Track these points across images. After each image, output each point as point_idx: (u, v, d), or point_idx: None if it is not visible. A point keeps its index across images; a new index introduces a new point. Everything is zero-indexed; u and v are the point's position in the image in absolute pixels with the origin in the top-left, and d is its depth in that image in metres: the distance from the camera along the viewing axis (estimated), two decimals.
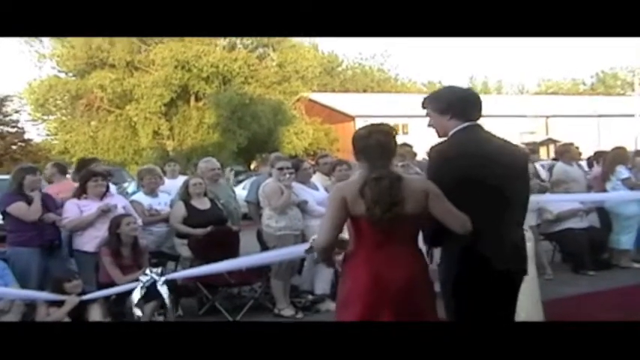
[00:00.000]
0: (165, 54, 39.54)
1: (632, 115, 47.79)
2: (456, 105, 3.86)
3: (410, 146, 9.76)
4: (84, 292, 6.50)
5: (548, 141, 46.59)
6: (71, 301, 6.35)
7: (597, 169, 10.38)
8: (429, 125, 3.99)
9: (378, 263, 3.59)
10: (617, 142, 11.56)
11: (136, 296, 6.37)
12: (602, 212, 9.96)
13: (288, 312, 7.63)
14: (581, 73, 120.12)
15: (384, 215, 3.50)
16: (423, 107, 4.03)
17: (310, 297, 8.04)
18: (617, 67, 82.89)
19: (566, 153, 10.50)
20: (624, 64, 78.73)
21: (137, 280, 6.46)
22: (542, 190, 9.68)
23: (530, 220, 7.84)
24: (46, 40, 43.01)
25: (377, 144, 3.65)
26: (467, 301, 3.71)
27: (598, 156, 10.79)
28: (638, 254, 9.99)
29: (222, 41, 43.10)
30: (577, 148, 10.87)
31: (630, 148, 17.61)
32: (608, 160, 10.02)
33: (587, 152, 12.26)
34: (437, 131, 3.95)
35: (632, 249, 9.82)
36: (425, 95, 4.09)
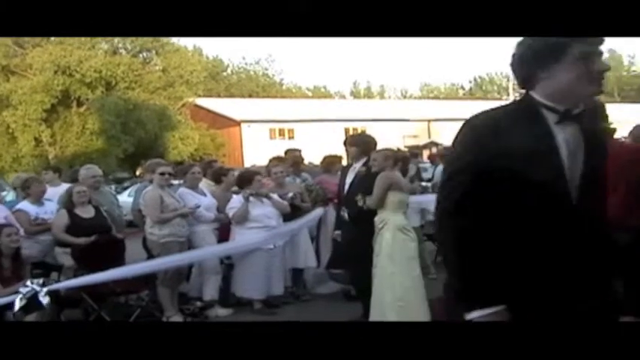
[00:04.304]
0: (45, 58, 38.05)
1: None
2: None
3: (298, 151, 9.89)
4: None
5: (431, 144, 48.00)
6: None
7: None
8: None
9: None
10: None
11: (16, 308, 6.16)
12: None
13: (176, 319, 7.55)
14: (459, 77, 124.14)
15: None
16: None
17: (199, 303, 8.01)
18: (493, 72, 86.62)
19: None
20: (500, 70, 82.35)
21: (18, 291, 6.24)
22: (424, 192, 10.01)
23: (414, 221, 8.05)
24: None
25: None
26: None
27: None
28: None
29: (105, 45, 42.00)
30: None
31: None
32: None
33: None
34: None
35: None
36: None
